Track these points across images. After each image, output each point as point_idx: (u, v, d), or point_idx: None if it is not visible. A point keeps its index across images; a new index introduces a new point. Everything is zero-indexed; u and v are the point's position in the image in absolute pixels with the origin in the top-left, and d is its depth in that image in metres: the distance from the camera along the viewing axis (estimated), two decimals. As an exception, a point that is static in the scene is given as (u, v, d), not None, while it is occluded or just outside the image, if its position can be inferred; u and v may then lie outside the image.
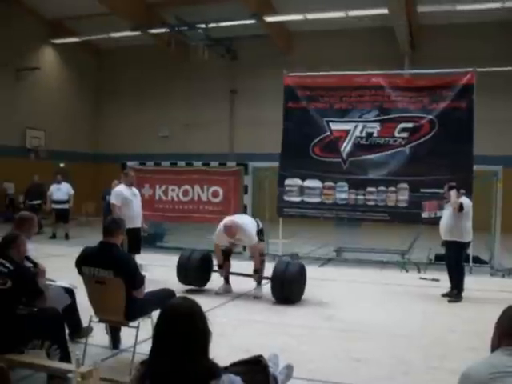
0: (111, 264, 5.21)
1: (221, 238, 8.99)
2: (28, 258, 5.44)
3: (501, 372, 2.44)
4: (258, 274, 8.95)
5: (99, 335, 5.97)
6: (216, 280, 9.38)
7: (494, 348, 2.69)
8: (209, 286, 9.47)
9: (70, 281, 6.09)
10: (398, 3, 18.52)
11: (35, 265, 5.46)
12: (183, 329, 2.40)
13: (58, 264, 8.47)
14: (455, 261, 9.23)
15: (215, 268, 9.42)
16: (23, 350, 4.68)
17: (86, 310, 5.67)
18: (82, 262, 5.36)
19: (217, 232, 9.02)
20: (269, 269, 8.93)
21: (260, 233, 9.12)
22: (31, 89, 24.39)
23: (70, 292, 5.95)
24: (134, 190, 9.99)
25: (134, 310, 5.31)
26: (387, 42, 22.50)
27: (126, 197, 9.55)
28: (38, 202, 17.76)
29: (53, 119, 25.28)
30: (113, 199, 9.66)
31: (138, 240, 9.55)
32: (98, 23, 23.82)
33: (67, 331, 5.39)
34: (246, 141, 25.24)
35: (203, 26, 22.66)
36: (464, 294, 9.09)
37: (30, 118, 24.02)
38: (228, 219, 9.01)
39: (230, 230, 8.73)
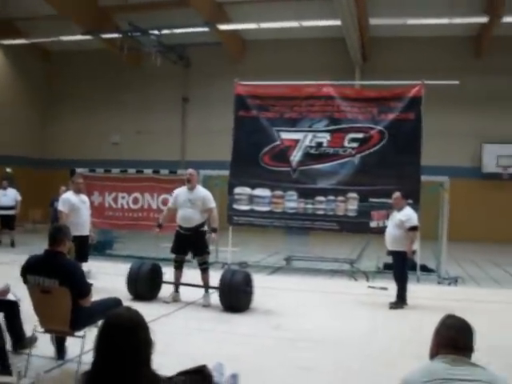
0: (57, 273, 5.10)
1: (179, 195, 9.30)
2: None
3: (437, 379, 2.51)
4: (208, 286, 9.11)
5: (44, 346, 5.82)
6: (165, 288, 9.31)
7: (432, 356, 2.77)
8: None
9: (15, 289, 5.94)
10: (351, 15, 18.81)
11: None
12: (125, 340, 2.38)
13: (2, 272, 8.29)
14: (399, 269, 9.39)
15: (165, 280, 9.38)
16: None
17: (30, 319, 5.53)
18: (27, 271, 5.23)
19: (174, 193, 9.47)
20: (217, 277, 8.91)
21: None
22: (-24, 91, 23.80)
23: (13, 303, 5.80)
24: (83, 197, 9.81)
25: (80, 319, 5.21)
26: (339, 52, 22.87)
27: (74, 204, 9.39)
28: None
29: (-1, 123, 24.71)
30: (60, 206, 9.48)
31: (85, 248, 9.39)
32: (48, 25, 23.47)
33: (9, 342, 5.26)
34: (198, 149, 25.22)
35: (156, 32, 22.55)
36: (411, 302, 9.23)
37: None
38: None
39: (191, 175, 9.23)
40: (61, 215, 9.33)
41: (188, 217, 9.11)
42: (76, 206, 9.39)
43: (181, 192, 9.38)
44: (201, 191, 9.36)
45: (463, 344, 2.72)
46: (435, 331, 2.85)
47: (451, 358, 2.63)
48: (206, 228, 9.29)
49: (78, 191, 9.65)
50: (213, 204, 9.31)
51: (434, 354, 2.76)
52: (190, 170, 9.50)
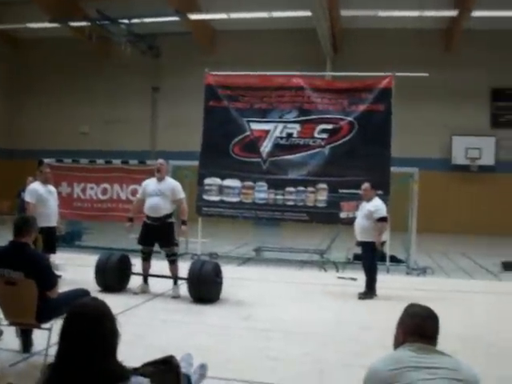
0: (22, 264, 5.03)
1: (147, 185, 9.24)
2: None
3: (404, 367, 2.52)
4: (176, 276, 9.05)
5: (9, 339, 5.73)
6: (134, 279, 9.25)
7: (398, 345, 2.78)
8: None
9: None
10: (321, 6, 18.81)
11: None
12: (89, 330, 2.33)
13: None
14: (368, 260, 9.45)
15: (134, 271, 9.31)
16: None
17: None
18: (-9, 263, 5.15)
19: (143, 184, 9.42)
20: (187, 268, 8.87)
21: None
22: None
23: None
24: (50, 187, 9.64)
25: (47, 311, 5.14)
26: (310, 43, 22.87)
27: (41, 194, 9.22)
28: None
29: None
30: (27, 197, 9.29)
31: (53, 239, 9.23)
32: (15, 12, 23.01)
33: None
34: (168, 139, 25.09)
35: (126, 21, 22.33)
36: (379, 292, 9.30)
37: None
38: None
39: (161, 165, 9.21)
40: (28, 206, 9.16)
41: (155, 206, 9.00)
42: (43, 197, 9.23)
43: (150, 182, 9.30)
44: (170, 182, 9.28)
45: (430, 332, 2.73)
46: (399, 320, 2.86)
47: (417, 346, 2.64)
48: (173, 219, 9.21)
49: (45, 181, 9.48)
50: (182, 195, 9.25)
51: (399, 342, 2.77)
52: (160, 160, 9.43)
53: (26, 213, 8.60)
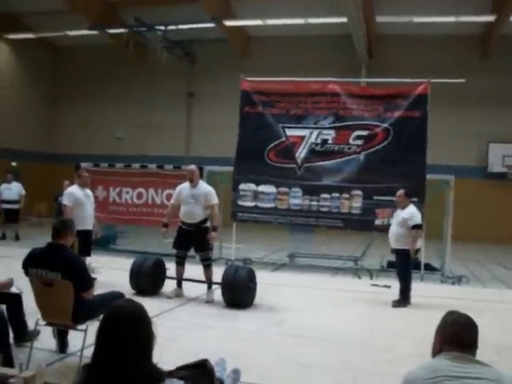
0: (59, 265, 5.10)
1: (181, 191, 9.28)
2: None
3: (441, 376, 2.48)
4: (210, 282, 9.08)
5: (46, 339, 5.83)
6: (168, 283, 9.31)
7: (435, 353, 2.73)
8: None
9: (18, 283, 5.94)
10: (357, 12, 18.74)
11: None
12: (125, 332, 2.36)
13: (6, 265, 8.29)
14: (402, 268, 9.36)
15: (168, 275, 9.37)
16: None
17: (33, 312, 5.53)
18: (29, 264, 5.23)
19: (177, 189, 9.44)
20: (220, 274, 8.90)
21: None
22: (-18, 84, 23.82)
23: (16, 296, 5.80)
24: (88, 191, 9.79)
25: (82, 312, 5.21)
26: (345, 49, 22.82)
27: (79, 198, 9.37)
28: None
29: (5, 116, 24.73)
30: (65, 200, 9.44)
31: (88, 242, 9.36)
32: (55, 20, 23.49)
33: (12, 335, 5.26)
34: (202, 144, 25.22)
35: (162, 27, 22.55)
36: (414, 300, 9.21)
37: (-20, 115, 23.47)
38: None
39: (192, 171, 9.23)
40: (65, 209, 9.30)
41: (191, 212, 9.08)
42: (80, 200, 9.37)
43: (183, 187, 9.35)
44: (204, 187, 9.32)
45: (467, 340, 2.67)
46: (438, 328, 2.81)
47: (455, 354, 2.59)
48: (208, 224, 9.25)
49: (82, 185, 9.63)
50: (215, 200, 9.26)
51: (436, 351, 2.72)
52: (191, 167, 9.46)
53: (64, 216, 8.73)
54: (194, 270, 9.54)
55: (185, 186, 9.35)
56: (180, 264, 9.26)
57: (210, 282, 9.09)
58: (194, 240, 9.12)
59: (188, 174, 9.33)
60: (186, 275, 9.32)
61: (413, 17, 20.11)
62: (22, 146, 25.59)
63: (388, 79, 14.19)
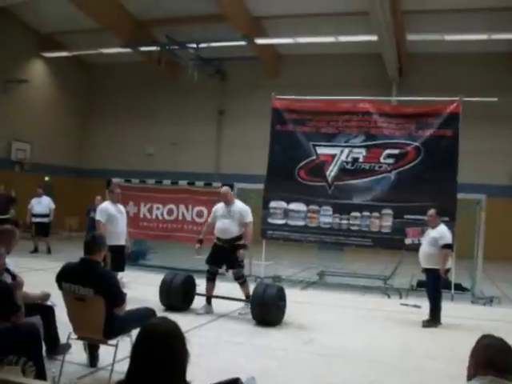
0: (91, 281, 5.16)
1: (217, 209, 9.44)
2: (7, 271, 5.40)
3: None
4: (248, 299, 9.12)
5: (77, 352, 5.88)
6: (198, 299, 9.35)
7: (470, 377, 2.70)
8: (190, 305, 9.44)
9: (51, 296, 6.03)
10: (388, 31, 18.73)
11: (14, 277, 5.41)
12: (161, 350, 2.38)
13: (39, 278, 8.39)
14: (432, 288, 9.27)
15: (198, 291, 9.42)
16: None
17: (65, 326, 5.59)
18: (62, 278, 5.31)
19: (214, 208, 9.64)
20: (250, 291, 8.92)
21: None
22: (19, 101, 24.26)
23: (49, 308, 5.89)
24: (120, 207, 9.89)
25: (114, 328, 5.26)
26: (376, 68, 22.79)
27: (111, 214, 9.47)
28: (6, 216, 16.27)
29: (39, 132, 25.21)
30: (98, 216, 9.55)
31: (121, 257, 9.45)
32: (89, 38, 23.91)
33: (44, 348, 5.32)
34: (232, 161, 25.31)
35: (194, 45, 22.77)
36: (444, 320, 9.10)
37: (17, 131, 23.93)
38: None
39: (225, 194, 9.34)
40: (98, 225, 9.40)
41: (225, 228, 9.16)
42: (113, 216, 9.47)
43: (220, 206, 9.47)
44: (239, 205, 9.41)
45: (503, 365, 2.63)
46: (472, 351, 2.78)
47: (489, 379, 2.57)
48: (242, 242, 9.28)
49: (115, 201, 9.74)
50: (250, 218, 9.30)
51: (471, 375, 2.70)
52: (223, 191, 9.51)
53: (97, 231, 8.82)
54: (223, 287, 9.57)
55: (221, 204, 9.47)
56: (211, 280, 9.30)
57: (246, 296, 9.19)
58: (226, 257, 9.18)
59: (221, 199, 9.44)
60: (215, 292, 9.35)
61: (444, 35, 20.02)
62: (55, 162, 26.04)
63: (419, 97, 14.13)
